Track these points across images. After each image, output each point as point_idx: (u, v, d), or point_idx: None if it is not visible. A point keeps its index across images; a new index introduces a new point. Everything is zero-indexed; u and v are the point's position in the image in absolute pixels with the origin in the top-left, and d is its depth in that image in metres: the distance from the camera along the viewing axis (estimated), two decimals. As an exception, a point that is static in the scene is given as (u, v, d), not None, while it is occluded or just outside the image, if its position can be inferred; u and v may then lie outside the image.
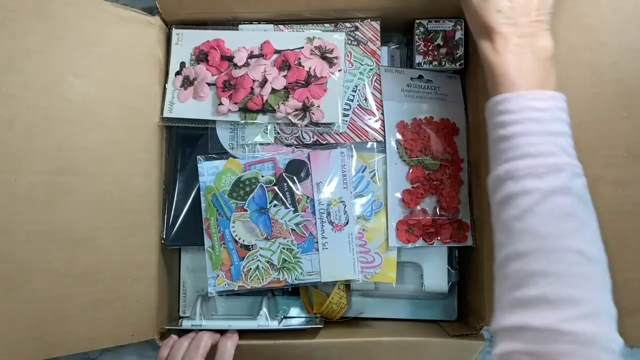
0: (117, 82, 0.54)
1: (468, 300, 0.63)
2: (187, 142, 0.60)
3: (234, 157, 0.58)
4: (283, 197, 0.56)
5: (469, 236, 0.59)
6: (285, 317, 0.60)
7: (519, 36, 0.44)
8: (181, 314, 0.63)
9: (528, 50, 0.44)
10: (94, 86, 0.52)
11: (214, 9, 0.59)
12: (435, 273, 0.60)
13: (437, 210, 0.58)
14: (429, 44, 0.60)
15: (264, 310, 0.57)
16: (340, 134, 0.59)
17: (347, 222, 0.55)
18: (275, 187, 0.56)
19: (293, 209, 0.56)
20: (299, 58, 0.58)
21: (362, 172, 0.57)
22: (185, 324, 0.56)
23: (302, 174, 0.56)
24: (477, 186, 0.59)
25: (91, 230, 0.51)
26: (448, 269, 0.61)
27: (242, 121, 0.58)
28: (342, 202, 0.56)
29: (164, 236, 0.58)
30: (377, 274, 0.56)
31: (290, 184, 0.56)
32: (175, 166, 0.60)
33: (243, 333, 0.55)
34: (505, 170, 0.42)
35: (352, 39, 0.60)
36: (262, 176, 0.56)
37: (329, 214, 0.56)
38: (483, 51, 0.46)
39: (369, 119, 0.59)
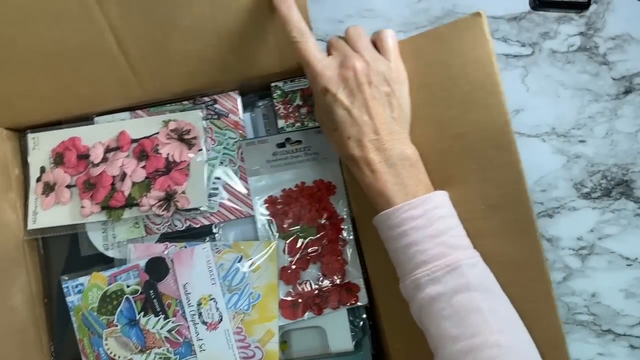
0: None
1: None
2: (61, 249, 0.58)
3: (113, 256, 0.57)
4: (152, 305, 0.54)
5: (360, 296, 0.57)
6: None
7: (378, 154, 0.45)
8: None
9: (391, 164, 0.45)
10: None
11: (65, 107, 0.57)
12: (339, 334, 0.59)
13: (321, 278, 0.57)
14: (288, 105, 0.58)
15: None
16: (214, 214, 0.57)
17: (221, 319, 0.54)
18: (143, 296, 0.54)
19: (163, 315, 0.54)
20: (156, 145, 0.56)
21: (238, 262, 0.55)
22: None
23: (162, 272, 0.54)
24: (367, 240, 0.57)
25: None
26: (351, 328, 0.60)
27: (109, 219, 0.56)
28: (212, 299, 0.54)
29: (53, 351, 0.57)
30: (258, 369, 0.54)
31: (156, 291, 0.54)
32: (53, 276, 0.58)
33: None
34: (410, 281, 0.44)
35: (213, 112, 0.58)
36: (128, 286, 0.54)
37: (200, 314, 0.54)
38: (354, 175, 0.47)
39: (240, 194, 0.57)
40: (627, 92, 0.60)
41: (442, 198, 0.46)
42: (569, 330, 0.65)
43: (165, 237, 0.57)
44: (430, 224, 0.44)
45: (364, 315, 0.61)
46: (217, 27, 0.49)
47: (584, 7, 0.58)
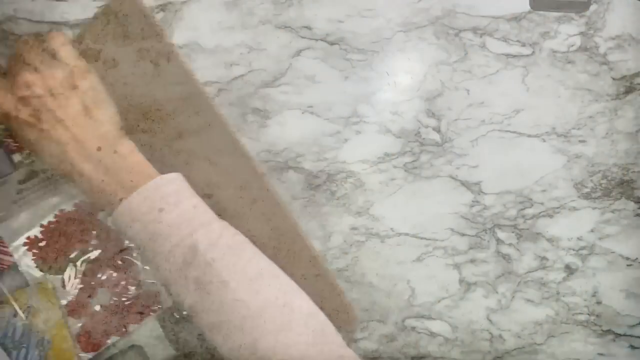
0: None
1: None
2: None
3: None
4: None
5: (162, 300, 0.57)
6: None
7: (87, 163, 0.42)
8: None
9: (105, 167, 0.42)
10: None
11: None
12: (156, 344, 0.59)
13: (113, 298, 0.55)
14: (18, 136, 0.53)
15: None
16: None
17: (13, 384, 0.50)
18: None
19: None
20: None
21: (14, 317, 0.51)
22: None
23: None
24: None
25: None
26: (171, 333, 0.59)
27: None
28: None
29: None
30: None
31: None
32: None
33: None
34: (160, 277, 0.43)
35: None
36: None
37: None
38: (78, 190, 0.44)
39: (-4, 247, 0.52)
40: (628, 92, 0.60)
41: (167, 180, 0.44)
42: (569, 331, 0.65)
43: None
44: (158, 211, 0.42)
45: (185, 313, 0.60)
46: None
47: (584, 7, 0.57)
